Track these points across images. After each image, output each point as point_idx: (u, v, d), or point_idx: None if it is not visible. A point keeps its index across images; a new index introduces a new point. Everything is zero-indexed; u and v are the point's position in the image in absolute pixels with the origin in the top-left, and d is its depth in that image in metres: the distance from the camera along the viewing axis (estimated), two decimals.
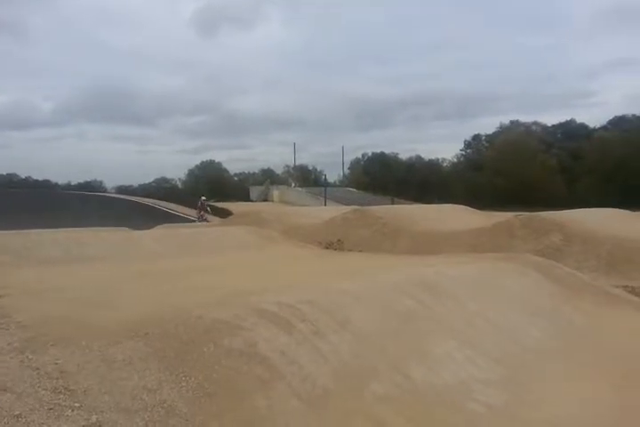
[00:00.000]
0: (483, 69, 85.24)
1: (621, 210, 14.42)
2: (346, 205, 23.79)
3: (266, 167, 64.70)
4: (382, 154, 61.30)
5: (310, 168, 66.16)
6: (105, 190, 54.65)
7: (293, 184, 45.69)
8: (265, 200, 39.09)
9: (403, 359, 3.15)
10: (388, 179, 45.64)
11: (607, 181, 42.08)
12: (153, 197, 31.99)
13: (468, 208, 17.50)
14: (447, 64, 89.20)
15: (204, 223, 19.46)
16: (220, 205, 26.28)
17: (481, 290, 4.76)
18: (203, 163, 60.83)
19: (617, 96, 73.06)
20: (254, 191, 43.86)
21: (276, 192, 39.56)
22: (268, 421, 2.36)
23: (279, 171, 63.41)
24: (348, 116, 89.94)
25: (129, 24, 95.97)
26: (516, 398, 3.07)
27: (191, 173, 60.48)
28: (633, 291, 7.41)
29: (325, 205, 29.22)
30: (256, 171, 65.40)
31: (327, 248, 10.52)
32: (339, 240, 11.40)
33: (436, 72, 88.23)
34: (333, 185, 51.87)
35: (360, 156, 64.31)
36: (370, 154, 62.91)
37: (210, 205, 22.93)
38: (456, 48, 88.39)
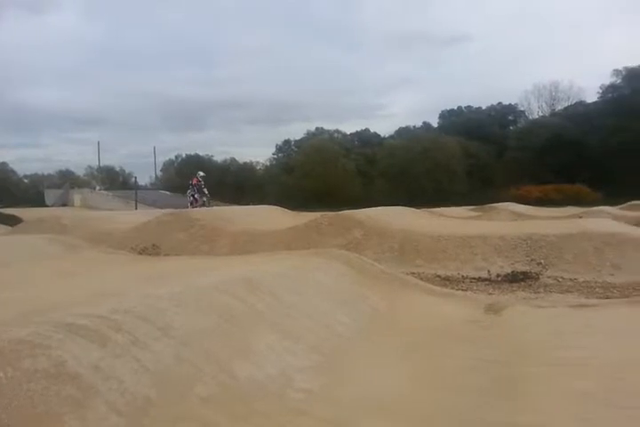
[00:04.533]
0: (294, 78, 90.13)
1: (408, 208, 16.74)
2: (160, 208, 22.68)
3: (64, 168, 57.82)
4: (197, 156, 60.15)
5: (118, 169, 61.30)
6: None
7: (98, 187, 41.70)
8: (64, 205, 34.84)
9: (227, 358, 3.20)
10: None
11: (396, 183, 48.30)
12: None
13: (282, 209, 18.26)
14: (261, 70, 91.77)
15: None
16: (6, 211, 22.46)
17: (296, 284, 5.08)
18: None
19: (401, 110, 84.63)
20: (51, 195, 38.72)
21: (77, 196, 35.54)
22: None
23: (81, 172, 57.29)
24: (160, 117, 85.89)
25: None
26: (331, 381, 3.36)
27: None
28: (419, 276, 8.71)
29: (137, 209, 27.37)
30: (52, 172, 58.03)
31: (141, 254, 9.94)
32: (154, 245, 10.88)
33: (250, 77, 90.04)
34: (145, 188, 48.94)
35: (173, 157, 61.95)
36: (184, 156, 61.06)
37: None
38: (269, 55, 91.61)
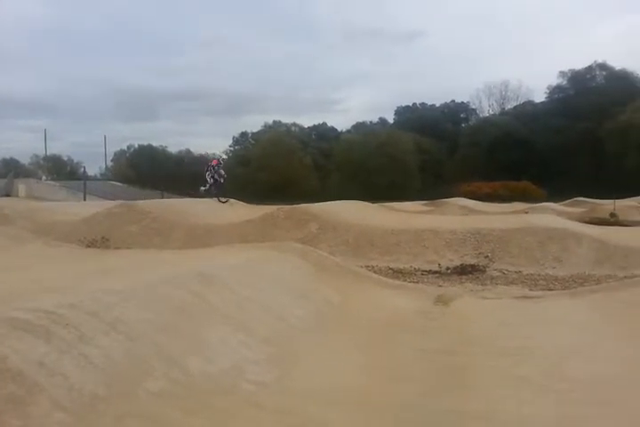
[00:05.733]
0: (252, 70, 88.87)
1: (363, 202, 16.94)
2: (110, 200, 21.95)
3: (8, 157, 54.89)
4: (150, 146, 58.46)
5: (65, 159, 58.70)
6: None
7: (44, 177, 39.78)
8: (7, 195, 33.02)
9: (179, 353, 3.16)
10: (156, 172, 43.73)
11: (352, 177, 48.76)
12: None
13: (237, 202, 18.08)
14: (218, 61, 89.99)
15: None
16: None
17: (251, 277, 5.07)
18: None
19: (358, 105, 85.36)
20: None
21: (21, 186, 33.68)
22: None
23: (26, 161, 54.50)
24: (112, 105, 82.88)
25: None
26: (285, 372, 3.39)
27: None
28: (373, 269, 8.87)
29: (85, 200, 26.35)
30: None
31: (90, 247, 9.59)
32: (103, 238, 10.52)
33: (207, 68, 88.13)
34: (94, 178, 47.18)
35: (125, 147, 59.95)
36: (136, 146, 59.23)
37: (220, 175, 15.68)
38: (227, 47, 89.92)
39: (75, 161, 57.91)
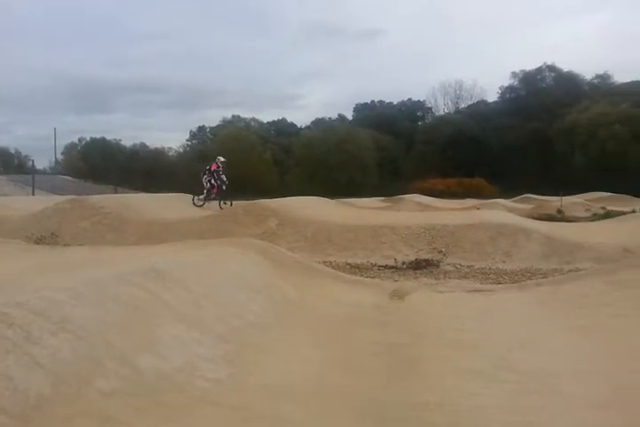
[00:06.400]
0: (211, 63, 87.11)
1: (322, 198, 17.02)
2: (60, 194, 21.10)
3: None
4: (103, 140, 56.48)
5: (13, 152, 55.84)
6: None
7: None
8: None
9: (130, 351, 3.09)
10: (110, 166, 42.34)
11: (312, 173, 48.84)
12: None
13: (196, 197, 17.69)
14: (177, 53, 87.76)
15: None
16: None
17: (207, 273, 5.00)
18: None
19: (317, 101, 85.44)
20: None
21: None
22: None
23: None
24: (62, 97, 79.32)
25: None
26: (241, 369, 3.37)
27: None
28: (331, 265, 8.95)
29: (34, 194, 25.22)
30: None
31: (38, 243, 9.22)
32: (52, 234, 10.14)
33: (165, 60, 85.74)
34: (44, 172, 45.12)
35: (77, 140, 57.57)
36: (88, 139, 57.05)
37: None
38: (185, 39, 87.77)
39: (23, 154, 55.15)
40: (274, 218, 11.70)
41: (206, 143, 57.66)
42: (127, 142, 58.21)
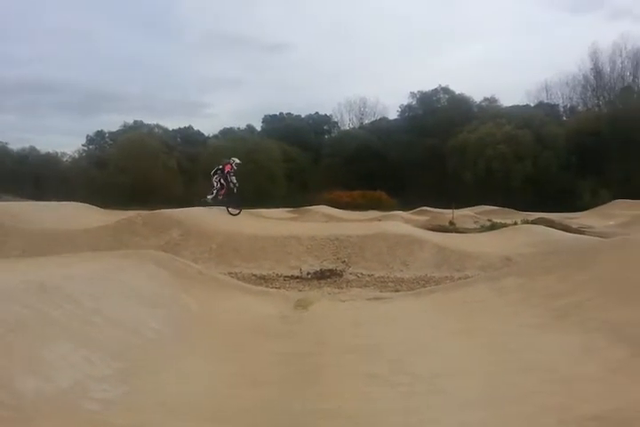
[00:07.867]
0: (112, 66, 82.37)
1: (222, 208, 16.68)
2: None
3: None
4: None
5: None
6: None
7: None
8: None
9: (9, 374, 2.82)
10: None
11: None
12: None
13: (91, 206, 16.79)
14: (74, 54, 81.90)
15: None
16: None
17: (99, 288, 4.70)
18: None
19: (226, 110, 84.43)
20: None
21: None
22: None
23: None
24: None
25: None
26: (135, 388, 3.21)
27: None
28: (236, 276, 8.86)
29: None
30: None
31: None
32: None
33: (60, 60, 79.57)
34: None
35: None
36: None
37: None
38: (85, 39, 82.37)
39: None
40: (177, 228, 11.32)
41: (105, 149, 54.35)
42: (15, 146, 53.15)
